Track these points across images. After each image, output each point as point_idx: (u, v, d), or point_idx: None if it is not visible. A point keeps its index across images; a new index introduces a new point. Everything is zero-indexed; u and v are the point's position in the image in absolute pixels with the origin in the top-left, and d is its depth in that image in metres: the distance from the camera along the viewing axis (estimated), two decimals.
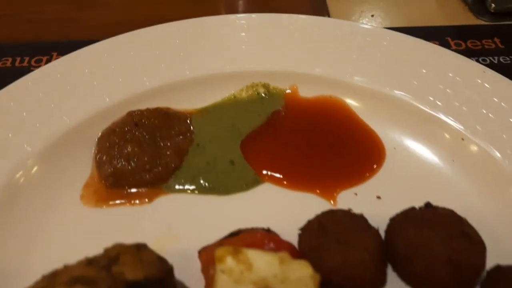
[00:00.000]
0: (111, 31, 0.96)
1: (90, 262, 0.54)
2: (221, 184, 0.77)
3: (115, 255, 0.54)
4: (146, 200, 0.76)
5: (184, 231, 0.71)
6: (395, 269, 0.65)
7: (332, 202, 0.74)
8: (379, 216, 0.66)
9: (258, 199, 0.75)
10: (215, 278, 0.53)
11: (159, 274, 0.54)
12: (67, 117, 0.81)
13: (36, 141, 0.77)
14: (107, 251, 0.56)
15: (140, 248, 0.57)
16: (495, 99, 0.80)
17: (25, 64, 1.02)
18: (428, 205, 0.67)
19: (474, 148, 0.77)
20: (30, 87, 0.84)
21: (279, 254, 0.54)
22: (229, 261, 0.53)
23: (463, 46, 1.05)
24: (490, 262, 0.61)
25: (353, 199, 0.75)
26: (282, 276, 0.52)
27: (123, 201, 0.75)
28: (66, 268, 0.53)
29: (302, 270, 0.53)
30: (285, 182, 0.78)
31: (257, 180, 0.78)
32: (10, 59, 1.03)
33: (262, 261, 0.53)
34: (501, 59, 1.01)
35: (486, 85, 0.82)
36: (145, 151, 0.78)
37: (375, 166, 0.79)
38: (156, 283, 0.52)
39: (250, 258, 0.53)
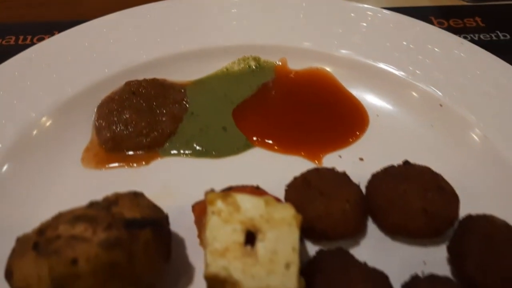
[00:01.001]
0: (110, 12, 0.99)
1: (91, 204, 0.58)
2: (214, 148, 0.81)
3: (114, 199, 0.59)
4: (143, 163, 0.80)
5: (179, 190, 0.75)
6: (375, 220, 0.70)
7: (317, 162, 0.79)
8: (361, 175, 0.71)
9: (248, 161, 0.80)
10: (206, 219, 0.58)
11: (155, 216, 0.58)
12: (68, 86, 0.85)
13: (39, 108, 0.82)
14: (107, 197, 0.60)
15: (138, 195, 0.61)
16: (471, 68, 0.85)
17: (28, 42, 1.07)
18: (406, 162, 0.72)
19: (451, 113, 0.82)
20: (33, 59, 0.88)
21: (264, 197, 0.58)
22: (219, 204, 0.57)
23: (446, 24, 1.10)
24: (463, 212, 0.66)
25: (337, 160, 0.79)
26: (267, 217, 0.57)
27: (121, 163, 0.80)
28: (69, 210, 0.58)
29: (286, 211, 0.57)
30: (275, 147, 0.82)
31: (248, 144, 0.82)
32: (13, 38, 1.08)
33: (249, 204, 0.57)
34: (482, 36, 1.06)
35: (463, 55, 0.87)
36: (142, 117, 0.83)
37: (358, 132, 0.84)
38: (152, 223, 0.57)
39: (238, 201, 0.58)
